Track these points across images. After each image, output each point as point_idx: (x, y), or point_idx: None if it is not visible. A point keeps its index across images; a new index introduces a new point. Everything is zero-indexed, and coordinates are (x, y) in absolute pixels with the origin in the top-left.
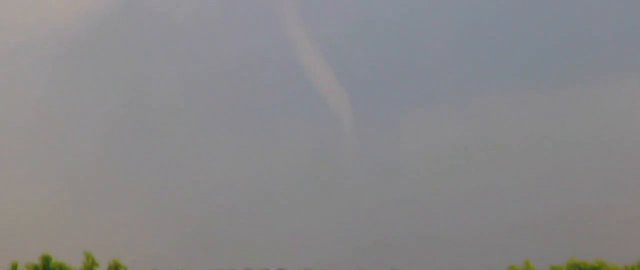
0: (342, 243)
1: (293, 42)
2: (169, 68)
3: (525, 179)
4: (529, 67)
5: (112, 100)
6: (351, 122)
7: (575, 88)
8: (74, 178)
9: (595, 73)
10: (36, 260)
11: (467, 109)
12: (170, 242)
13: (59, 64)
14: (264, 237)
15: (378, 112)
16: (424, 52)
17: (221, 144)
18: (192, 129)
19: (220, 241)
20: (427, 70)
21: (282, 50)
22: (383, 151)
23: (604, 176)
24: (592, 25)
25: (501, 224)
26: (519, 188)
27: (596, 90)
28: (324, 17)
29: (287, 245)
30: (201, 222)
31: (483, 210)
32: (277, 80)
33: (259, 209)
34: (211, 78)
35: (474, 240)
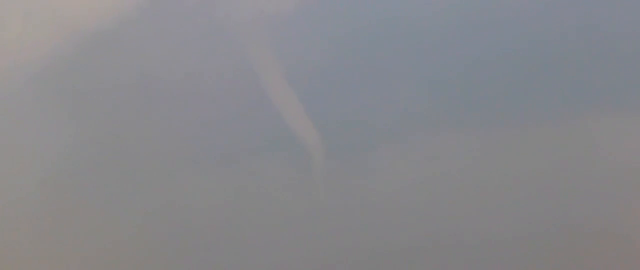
0: None
1: (262, 75)
2: (136, 99)
3: (505, 219)
4: (506, 103)
5: (75, 134)
6: (321, 157)
7: (561, 125)
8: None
9: (580, 110)
10: None
11: (439, 145)
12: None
13: (21, 96)
14: None
15: (348, 147)
16: (394, 86)
17: (185, 176)
18: (156, 160)
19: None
20: (398, 105)
21: (250, 83)
22: (355, 187)
23: (592, 215)
24: (581, 59)
25: (479, 265)
26: (497, 229)
27: (583, 127)
28: (293, 50)
29: None
30: (163, 258)
31: (459, 250)
32: (245, 114)
33: (226, 246)
34: (179, 108)
35: None
